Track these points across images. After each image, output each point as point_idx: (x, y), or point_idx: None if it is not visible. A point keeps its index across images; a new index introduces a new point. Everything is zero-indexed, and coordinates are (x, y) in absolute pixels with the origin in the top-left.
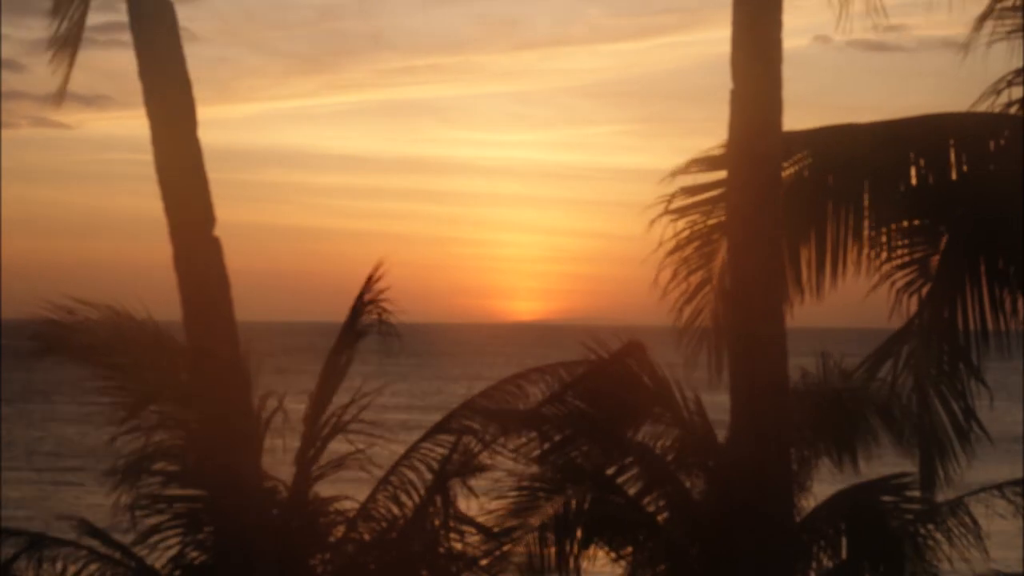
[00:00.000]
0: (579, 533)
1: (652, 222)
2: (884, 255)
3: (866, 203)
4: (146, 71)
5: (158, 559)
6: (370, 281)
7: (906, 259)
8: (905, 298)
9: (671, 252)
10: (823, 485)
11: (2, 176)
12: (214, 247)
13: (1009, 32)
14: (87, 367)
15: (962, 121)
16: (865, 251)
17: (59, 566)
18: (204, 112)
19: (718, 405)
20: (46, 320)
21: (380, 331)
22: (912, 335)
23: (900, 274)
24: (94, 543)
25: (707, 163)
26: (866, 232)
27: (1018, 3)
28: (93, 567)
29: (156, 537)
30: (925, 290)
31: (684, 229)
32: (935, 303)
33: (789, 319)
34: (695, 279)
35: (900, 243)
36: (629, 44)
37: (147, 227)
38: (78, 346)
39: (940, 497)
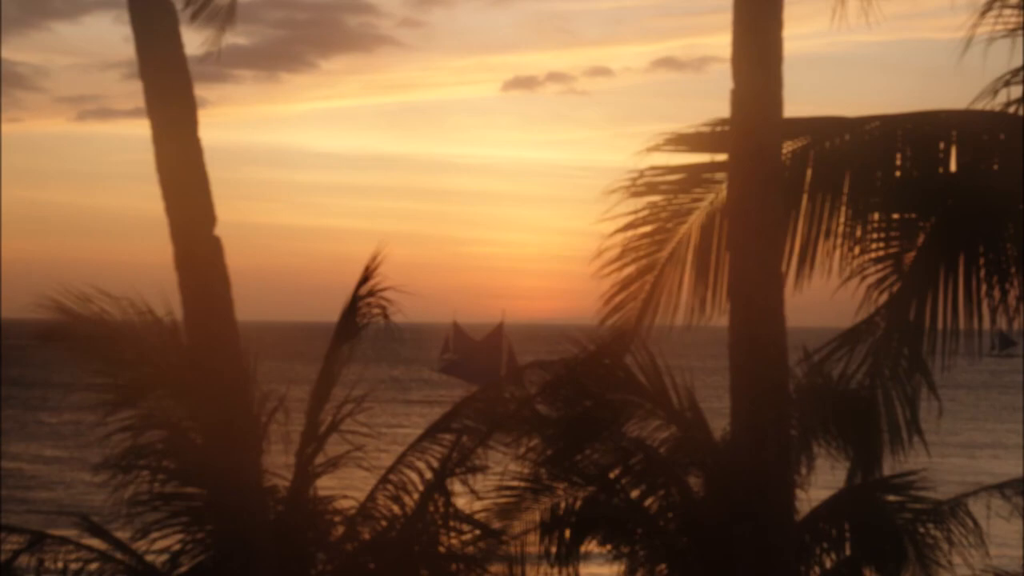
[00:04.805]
0: (575, 531)
1: (610, 192)
2: (858, 249)
3: (844, 197)
4: (146, 71)
5: (158, 557)
6: (367, 272)
7: (881, 253)
8: (875, 294)
9: (622, 229)
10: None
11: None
12: (215, 247)
13: (1011, 30)
14: (88, 358)
15: (957, 118)
16: (837, 247)
17: (60, 564)
18: (237, 112)
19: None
20: (55, 306)
21: (379, 326)
22: (870, 332)
23: (873, 269)
24: (95, 541)
25: (680, 141)
26: (841, 227)
27: (1019, 1)
28: (93, 566)
29: (156, 535)
30: (896, 287)
31: (643, 209)
32: (902, 302)
33: (812, 310)
34: (638, 267)
35: (877, 236)
36: (677, 42)
37: (147, 227)
38: (81, 336)
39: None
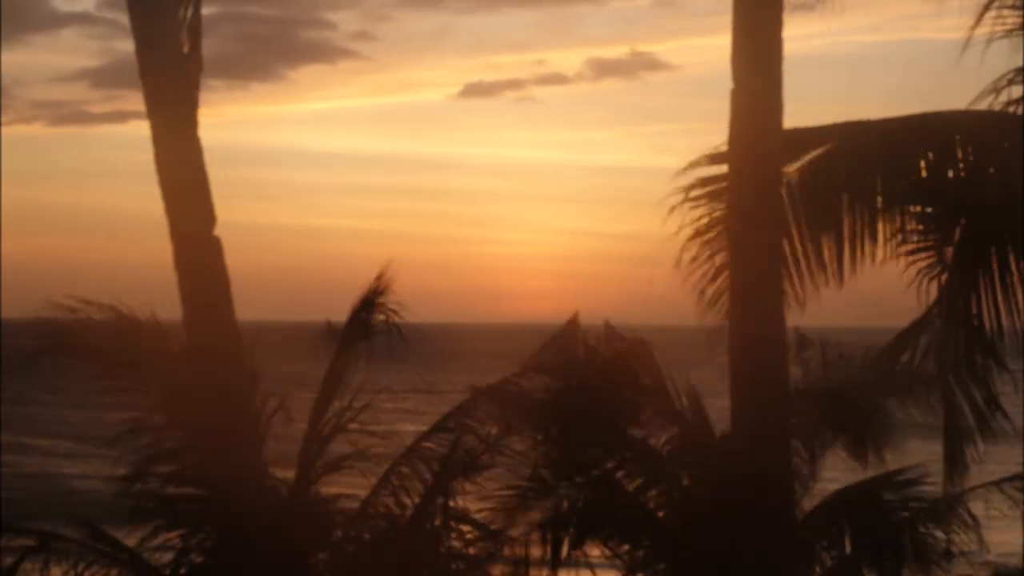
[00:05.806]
0: (577, 532)
1: (671, 210)
2: (901, 238)
3: (879, 194)
4: (146, 71)
5: (161, 559)
6: (379, 280)
7: (922, 245)
8: (925, 282)
9: (692, 237)
10: (829, 483)
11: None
12: (214, 246)
13: (1009, 31)
14: (88, 366)
15: (966, 118)
16: (881, 241)
17: (65, 565)
18: (247, 112)
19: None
20: (47, 319)
21: (386, 331)
22: (930, 324)
23: (919, 256)
24: (99, 544)
25: (722, 158)
26: (880, 223)
27: (1018, 1)
28: (97, 567)
29: (158, 537)
30: (944, 277)
31: (703, 216)
32: (952, 290)
33: (810, 310)
34: (719, 260)
35: (916, 228)
36: (683, 42)
37: (147, 227)
38: (79, 345)
39: (965, 484)
